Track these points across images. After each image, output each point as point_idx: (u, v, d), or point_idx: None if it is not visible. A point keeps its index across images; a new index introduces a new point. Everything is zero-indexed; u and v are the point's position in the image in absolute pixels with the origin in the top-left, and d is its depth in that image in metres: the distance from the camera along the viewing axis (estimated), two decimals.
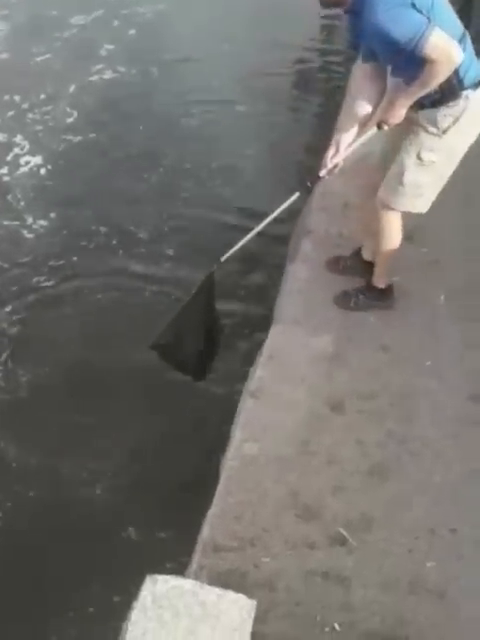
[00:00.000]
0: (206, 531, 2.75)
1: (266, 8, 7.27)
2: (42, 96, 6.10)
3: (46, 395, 3.77)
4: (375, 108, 3.00)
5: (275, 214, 3.24)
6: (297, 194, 3.20)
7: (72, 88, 6.23)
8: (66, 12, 7.45)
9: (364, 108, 2.99)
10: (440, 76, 2.73)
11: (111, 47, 6.87)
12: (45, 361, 3.93)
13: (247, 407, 3.13)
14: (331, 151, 3.09)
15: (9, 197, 5.05)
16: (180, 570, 2.65)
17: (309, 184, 3.22)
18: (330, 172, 3.13)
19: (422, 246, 3.77)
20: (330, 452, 3.01)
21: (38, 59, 6.67)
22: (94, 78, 6.44)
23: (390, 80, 3.00)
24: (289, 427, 3.07)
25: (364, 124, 3.03)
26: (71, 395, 3.74)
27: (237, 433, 3.04)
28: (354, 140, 3.07)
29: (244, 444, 3.00)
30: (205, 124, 5.82)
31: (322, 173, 3.14)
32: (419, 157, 3.04)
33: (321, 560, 2.66)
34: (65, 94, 6.15)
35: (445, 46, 2.65)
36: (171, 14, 7.45)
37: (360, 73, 3.02)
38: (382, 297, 3.55)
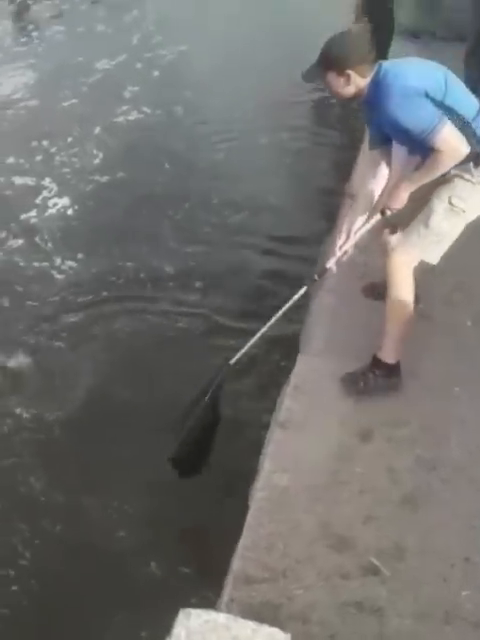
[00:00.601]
0: (237, 563, 2.77)
1: (285, 43, 7.43)
2: (69, 139, 6.28)
3: (74, 429, 3.84)
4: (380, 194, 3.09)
5: (282, 311, 3.23)
6: (305, 288, 3.21)
7: (98, 130, 6.40)
8: (91, 58, 7.68)
9: (371, 196, 3.08)
10: (445, 166, 2.87)
11: (135, 89, 7.06)
12: (73, 396, 4.00)
13: (276, 438, 3.17)
14: (340, 239, 3.14)
15: (37, 239, 5.19)
16: (205, 604, 2.66)
17: (317, 277, 3.25)
18: (339, 261, 3.17)
19: (446, 271, 3.78)
20: (361, 481, 3.02)
21: (64, 104, 6.88)
22: (119, 119, 6.61)
23: (394, 166, 3.10)
24: (319, 457, 3.09)
25: (370, 211, 3.10)
26: (98, 429, 3.80)
27: (266, 464, 3.06)
28: (360, 227, 3.12)
29: (273, 475, 3.02)
30: (229, 158, 5.95)
31: (329, 264, 3.19)
32: (451, 202, 3.04)
33: (354, 591, 2.65)
34: (91, 136, 6.32)
35: (454, 141, 2.80)
36: (193, 54, 7.64)
37: (367, 161, 3.16)
38: (391, 374, 3.29)
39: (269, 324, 3.25)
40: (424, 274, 3.27)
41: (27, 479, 3.63)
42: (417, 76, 2.83)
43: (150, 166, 5.88)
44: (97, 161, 6.03)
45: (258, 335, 3.27)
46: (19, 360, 4.27)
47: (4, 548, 3.38)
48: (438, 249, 3.13)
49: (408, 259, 3.13)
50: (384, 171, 3.09)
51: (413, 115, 2.77)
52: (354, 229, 3.13)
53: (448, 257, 3.20)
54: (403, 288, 3.14)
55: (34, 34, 8.47)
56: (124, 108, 6.74)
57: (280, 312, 3.23)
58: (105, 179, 5.81)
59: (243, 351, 3.29)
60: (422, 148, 2.88)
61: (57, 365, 4.24)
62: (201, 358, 4.12)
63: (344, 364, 3.41)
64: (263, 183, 5.51)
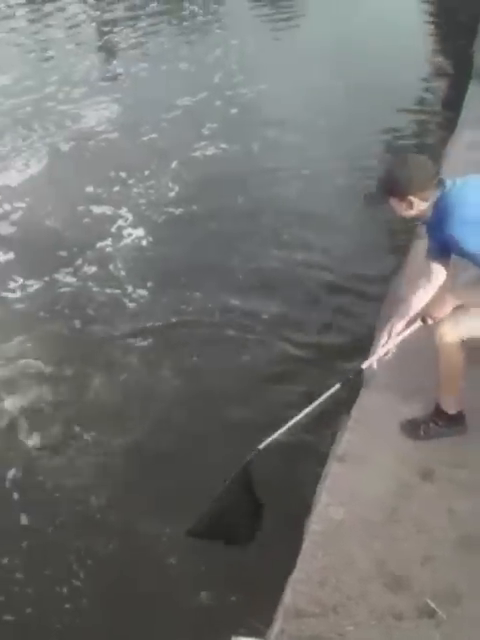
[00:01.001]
0: (288, 595, 2.78)
1: (360, 87, 7.68)
2: (146, 172, 6.50)
3: (136, 453, 3.94)
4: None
5: (313, 406, 3.22)
6: (339, 385, 3.20)
7: (175, 164, 6.62)
8: (173, 95, 7.96)
9: (420, 302, 3.16)
10: None
11: (214, 125, 7.28)
12: (138, 420, 4.12)
13: (333, 471, 3.18)
14: (382, 340, 3.20)
15: (111, 266, 5.38)
16: (255, 635, 2.68)
17: (351, 376, 3.28)
18: (380, 360, 3.21)
19: None
20: (419, 520, 2.99)
21: (144, 138, 7.14)
22: (196, 154, 6.82)
23: (446, 278, 3.15)
24: (376, 492, 3.08)
25: (414, 317, 3.18)
26: (160, 455, 3.89)
27: (322, 497, 3.08)
28: (402, 331, 3.18)
29: (329, 508, 3.03)
30: (301, 196, 6.06)
31: (365, 365, 3.21)
32: None
33: (408, 632, 2.62)
34: (168, 169, 6.54)
35: None
36: (272, 93, 7.85)
37: (419, 269, 3.24)
38: (453, 423, 3.32)
39: (300, 417, 3.22)
40: None
41: (87, 498, 3.72)
42: (476, 202, 2.91)
43: (224, 200, 6.04)
44: (172, 194, 6.22)
45: (290, 424, 3.23)
46: (87, 382, 4.41)
47: (60, 565, 3.47)
48: None
49: (457, 345, 3.13)
50: (435, 282, 3.15)
51: (471, 242, 2.87)
52: (395, 332, 3.18)
53: None
54: (452, 356, 3.15)
55: (119, 70, 8.83)
56: (202, 143, 6.95)
57: (311, 407, 3.22)
58: (179, 211, 5.99)
59: (273, 437, 3.25)
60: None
61: (124, 389, 4.37)
62: (267, 386, 4.25)
63: (407, 400, 3.42)
64: (333, 222, 5.60)
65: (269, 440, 3.25)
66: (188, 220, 5.87)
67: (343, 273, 5.02)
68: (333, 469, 3.19)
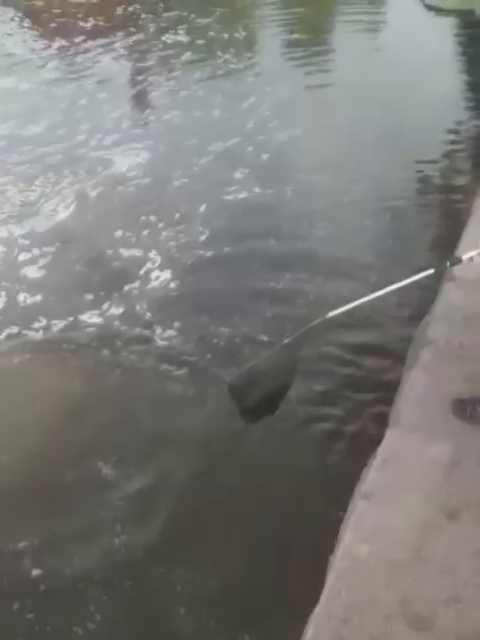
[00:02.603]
0: (310, 632, 2.87)
1: (392, 129, 8.08)
2: (176, 216, 6.74)
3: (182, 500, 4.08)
4: None
5: (401, 284, 3.48)
6: (432, 270, 3.44)
7: (206, 208, 6.85)
8: (205, 141, 8.25)
9: None
10: None
11: (246, 170, 7.51)
12: (168, 460, 4.29)
13: (359, 509, 3.28)
14: None
15: (138, 308, 5.59)
16: None
17: (448, 264, 3.51)
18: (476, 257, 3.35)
19: None
20: (444, 561, 3.08)
21: (175, 183, 7.40)
22: (228, 198, 7.06)
23: None
24: (402, 532, 3.18)
25: None
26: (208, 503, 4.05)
27: (347, 534, 3.18)
28: None
29: (354, 546, 3.13)
30: (333, 238, 6.27)
31: (466, 256, 3.38)
32: None
33: None
34: (198, 214, 6.76)
35: None
36: (305, 138, 8.14)
37: None
38: None
39: (381, 292, 3.46)
40: None
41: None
42: None
43: (254, 244, 6.24)
44: (203, 237, 6.43)
45: (365, 299, 3.48)
46: (115, 418, 4.61)
47: (78, 601, 3.60)
48: None
49: None
50: None
51: None
52: None
53: None
54: None
55: (152, 118, 9.18)
56: (234, 188, 7.19)
57: (398, 285, 3.44)
58: (209, 254, 6.20)
59: (347, 308, 3.47)
60: None
61: (159, 425, 4.56)
62: (293, 423, 4.42)
63: (434, 440, 3.54)
64: (363, 264, 5.79)
65: (340, 310, 3.47)
66: (218, 263, 6.08)
67: (368, 315, 5.14)
68: (358, 507, 3.30)
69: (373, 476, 3.42)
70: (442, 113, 8.63)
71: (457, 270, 4.58)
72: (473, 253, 3.38)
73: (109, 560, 3.76)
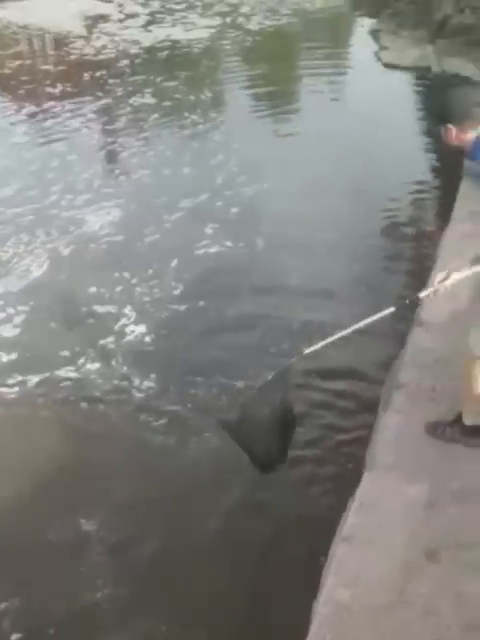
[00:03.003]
0: None
1: (358, 180, 8.30)
2: (149, 271, 6.82)
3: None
4: None
5: (367, 322, 3.65)
6: (393, 308, 3.63)
7: (179, 263, 6.93)
8: (174, 198, 8.38)
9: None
10: None
11: (216, 225, 7.63)
12: (153, 517, 4.29)
13: (339, 553, 3.29)
14: (441, 276, 3.50)
15: (114, 362, 5.62)
16: None
17: (407, 302, 3.73)
18: (434, 294, 3.52)
19: None
20: (427, 603, 3.08)
21: (147, 240, 7.49)
22: (200, 252, 7.17)
23: None
24: (383, 574, 3.18)
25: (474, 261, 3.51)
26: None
27: (329, 579, 3.17)
28: (462, 272, 3.48)
29: (336, 590, 3.12)
30: (302, 289, 6.39)
31: (423, 294, 3.57)
32: None
33: None
34: (171, 269, 6.85)
35: None
36: (273, 191, 8.31)
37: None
38: (469, 434, 3.80)
39: (349, 331, 3.67)
40: None
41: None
42: None
43: (227, 296, 6.35)
44: (176, 292, 6.51)
45: (335, 337, 3.67)
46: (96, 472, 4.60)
47: None
48: None
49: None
50: None
51: None
52: (455, 271, 3.48)
53: None
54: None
55: (122, 177, 9.29)
56: (205, 242, 7.30)
57: (360, 324, 3.65)
58: (183, 308, 6.28)
59: (318, 346, 3.67)
60: None
61: (141, 475, 4.58)
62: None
63: (410, 482, 3.57)
64: (335, 309, 5.88)
65: (313, 348, 3.66)
66: (192, 316, 6.16)
67: (343, 364, 5.26)
68: (339, 551, 3.30)
69: (352, 519, 3.43)
70: (403, 162, 8.92)
71: (425, 314, 4.71)
72: (429, 291, 3.53)
73: (90, 620, 3.71)
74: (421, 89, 11.94)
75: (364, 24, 15.85)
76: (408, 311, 4.24)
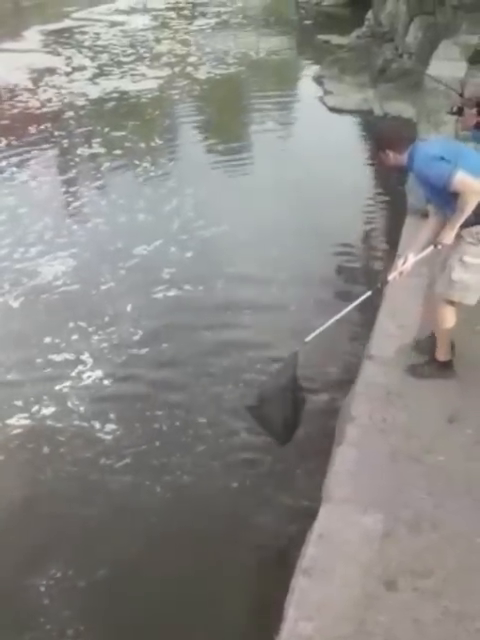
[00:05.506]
0: None
1: (310, 220, 8.63)
2: (106, 318, 6.84)
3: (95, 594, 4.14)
4: (433, 235, 4.44)
5: (351, 307, 4.46)
6: (369, 293, 4.55)
7: (136, 309, 6.99)
8: (129, 244, 8.41)
9: (426, 235, 4.47)
10: (470, 204, 4.10)
11: (172, 270, 7.71)
12: (118, 560, 4.31)
13: (300, 585, 3.33)
14: (401, 261, 4.43)
15: (69, 404, 5.68)
16: None
17: (379, 285, 4.63)
18: (399, 276, 4.43)
19: None
20: (388, 632, 3.15)
21: (102, 287, 7.50)
22: (157, 296, 7.24)
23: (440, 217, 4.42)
24: (344, 605, 3.24)
25: (425, 245, 4.45)
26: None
27: (291, 612, 3.22)
28: (418, 254, 4.41)
29: (298, 623, 3.17)
30: (261, 326, 6.56)
31: (391, 277, 4.44)
32: (462, 260, 4.32)
33: None
34: (127, 314, 6.89)
35: (467, 181, 4.04)
36: (228, 233, 8.47)
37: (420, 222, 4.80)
38: (444, 369, 4.64)
39: (340, 315, 4.45)
40: None
41: None
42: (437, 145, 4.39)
43: (187, 336, 6.48)
44: (135, 337, 6.54)
45: (330, 322, 4.44)
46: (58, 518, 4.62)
47: None
48: (470, 293, 4.40)
49: (450, 307, 4.47)
50: (432, 220, 4.50)
51: (433, 170, 4.09)
52: (412, 255, 4.40)
53: None
54: (448, 321, 4.51)
55: (75, 227, 9.24)
56: (162, 287, 7.38)
57: (348, 308, 4.47)
58: (143, 351, 6.35)
59: (318, 332, 4.43)
60: (447, 201, 4.18)
61: (109, 515, 4.66)
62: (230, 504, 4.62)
63: (368, 514, 3.65)
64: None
65: (314, 334, 4.42)
66: (152, 358, 6.23)
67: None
68: (299, 584, 3.35)
69: (311, 551, 3.49)
70: (352, 200, 9.21)
71: (375, 349, 4.85)
72: (394, 274, 4.41)
73: None
74: (364, 130, 12.32)
75: (308, 70, 16.27)
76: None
